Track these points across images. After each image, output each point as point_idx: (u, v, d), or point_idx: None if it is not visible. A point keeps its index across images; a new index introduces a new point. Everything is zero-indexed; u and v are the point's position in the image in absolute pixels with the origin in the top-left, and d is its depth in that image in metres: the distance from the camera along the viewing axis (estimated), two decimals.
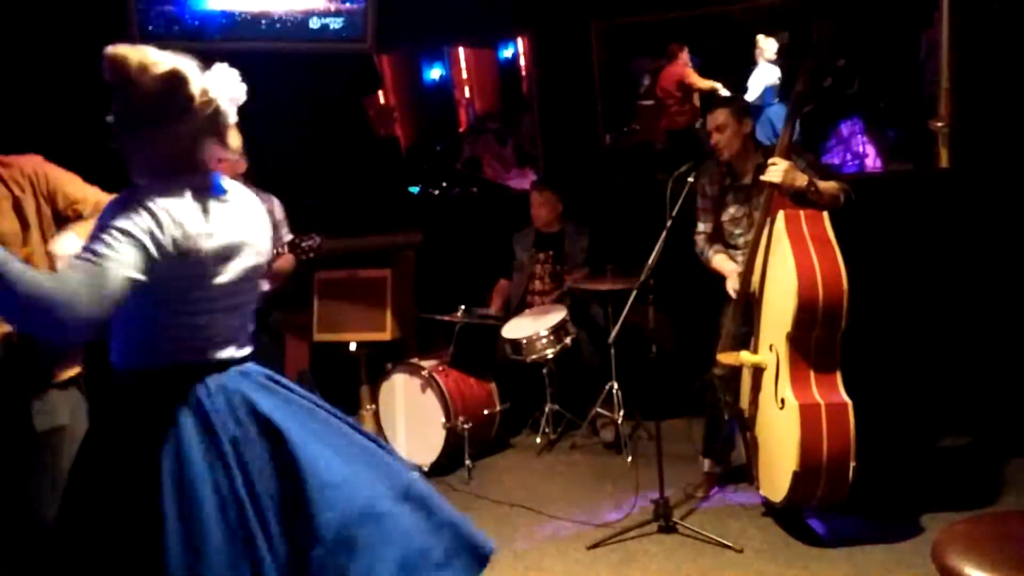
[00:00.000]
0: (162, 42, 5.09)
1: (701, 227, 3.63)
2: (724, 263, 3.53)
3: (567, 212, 4.80)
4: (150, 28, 4.78)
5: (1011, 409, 4.12)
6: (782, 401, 3.10)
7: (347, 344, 4.98)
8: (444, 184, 6.08)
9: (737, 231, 3.50)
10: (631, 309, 3.38)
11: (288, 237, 3.85)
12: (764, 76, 5.40)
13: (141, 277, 1.65)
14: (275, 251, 3.77)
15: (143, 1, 4.74)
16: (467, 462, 4.11)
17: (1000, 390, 4.21)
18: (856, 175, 4.87)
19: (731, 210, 3.51)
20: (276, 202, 4.06)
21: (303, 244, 3.64)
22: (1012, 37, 4.26)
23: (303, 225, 4.16)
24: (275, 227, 3.98)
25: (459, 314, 4.38)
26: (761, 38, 5.33)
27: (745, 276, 3.32)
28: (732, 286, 3.42)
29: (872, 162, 5.04)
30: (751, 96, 5.36)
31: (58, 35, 4.63)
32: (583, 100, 5.24)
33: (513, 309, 4.74)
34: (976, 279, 4.45)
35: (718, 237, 3.60)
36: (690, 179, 3.36)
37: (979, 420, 4.19)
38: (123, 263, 1.62)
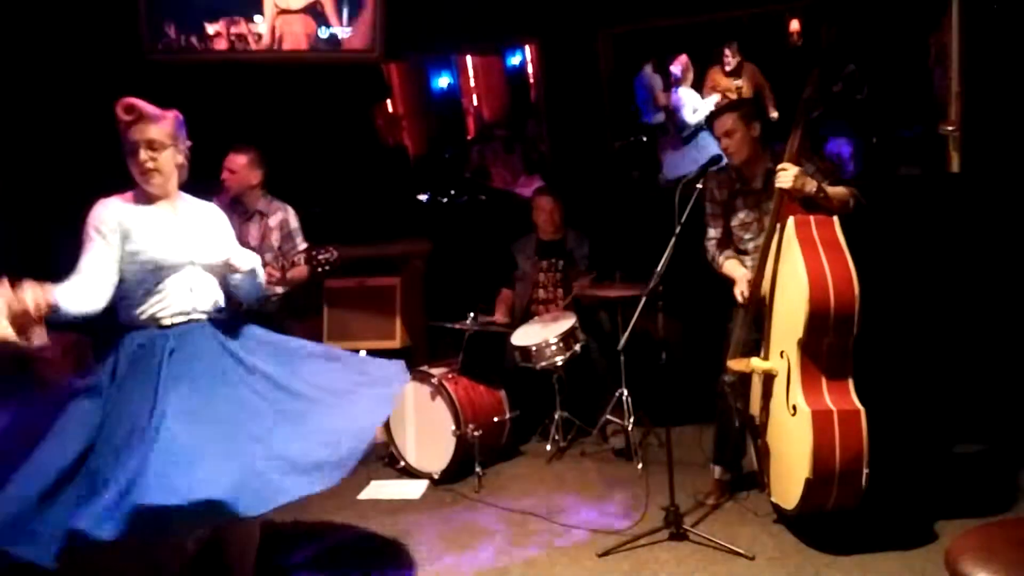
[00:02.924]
0: (173, 55, 5.16)
1: (711, 233, 3.62)
2: (734, 268, 3.52)
3: (577, 219, 4.79)
4: (161, 42, 4.82)
5: None
6: (794, 408, 3.09)
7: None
8: (452, 192, 6.09)
9: (747, 236, 3.49)
10: (640, 316, 3.38)
11: (303, 246, 3.88)
12: (692, 99, 5.45)
13: None
14: (291, 260, 3.81)
15: (154, 17, 4.78)
16: (477, 469, 4.11)
17: (1014, 396, 4.18)
18: (866, 180, 4.85)
19: (740, 215, 3.50)
20: (291, 211, 4.12)
21: (319, 256, 3.62)
22: (1022, 41, 4.25)
23: (312, 233, 4.19)
24: (289, 236, 4.05)
25: (468, 322, 4.38)
26: (684, 58, 5.39)
27: (755, 282, 3.31)
28: (740, 291, 3.42)
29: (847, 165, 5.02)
30: (698, 117, 5.42)
31: (72, 53, 4.67)
32: (591, 107, 5.25)
33: (518, 319, 4.73)
34: (988, 284, 4.43)
35: (728, 242, 3.59)
36: (698, 185, 3.36)
37: (993, 426, 4.16)
38: None
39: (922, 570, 2.96)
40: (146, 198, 2.68)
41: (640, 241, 3.98)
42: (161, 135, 2.60)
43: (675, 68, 5.42)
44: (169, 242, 2.64)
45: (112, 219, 2.59)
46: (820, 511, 3.14)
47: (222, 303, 2.81)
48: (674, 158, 5.52)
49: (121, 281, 2.60)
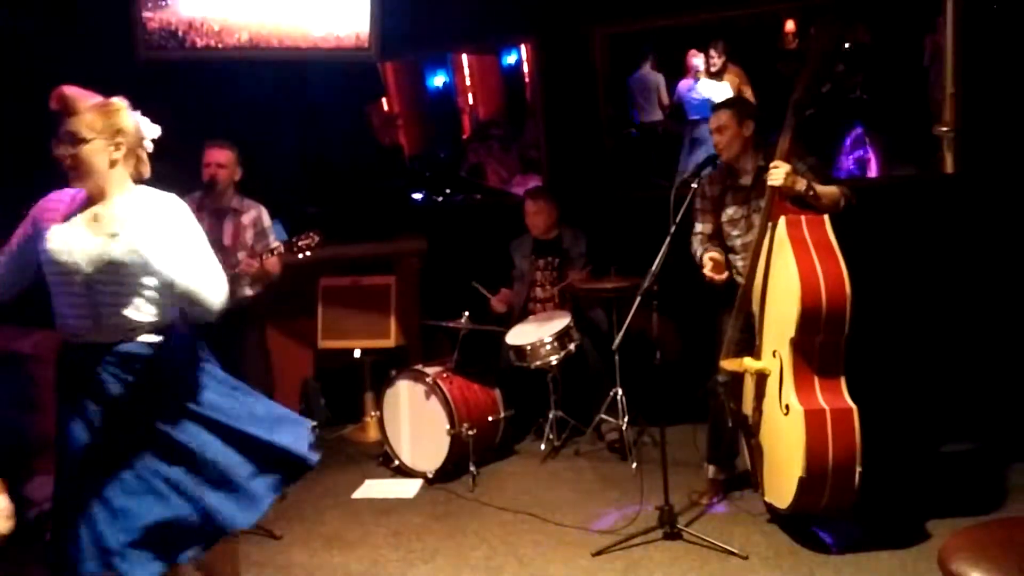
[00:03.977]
0: (168, 53, 5.14)
1: (699, 228, 3.63)
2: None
3: (573, 218, 4.79)
4: (156, 40, 4.79)
5: (1018, 414, 4.10)
6: (787, 407, 3.10)
7: (351, 351, 4.99)
8: (448, 191, 6.08)
9: (735, 232, 3.50)
10: (635, 315, 3.38)
11: (275, 243, 3.89)
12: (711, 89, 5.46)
13: None
14: (266, 256, 3.82)
15: (149, 14, 4.76)
16: (472, 469, 4.11)
17: (1007, 395, 4.19)
18: (860, 180, 4.86)
19: (730, 211, 3.51)
20: (263, 210, 4.10)
21: (300, 243, 3.69)
22: (1017, 41, 4.26)
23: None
24: (262, 234, 4.03)
25: (463, 321, 4.38)
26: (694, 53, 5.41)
27: (747, 282, 3.32)
28: (704, 271, 3.42)
29: (874, 168, 5.04)
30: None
31: (66, 49, 4.64)
32: (587, 106, 5.25)
33: (516, 317, 4.73)
34: (981, 284, 4.44)
35: (716, 238, 3.59)
36: (694, 184, 3.37)
37: (986, 425, 4.17)
38: None
39: (915, 569, 2.97)
40: (87, 196, 2.40)
41: (635, 236, 3.98)
42: (81, 127, 2.30)
43: (697, 60, 5.40)
44: (71, 251, 2.30)
45: (34, 214, 2.42)
46: (814, 510, 3.15)
47: (130, 326, 2.35)
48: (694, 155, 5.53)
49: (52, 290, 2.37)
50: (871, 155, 5.01)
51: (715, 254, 3.46)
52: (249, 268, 3.80)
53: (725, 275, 3.43)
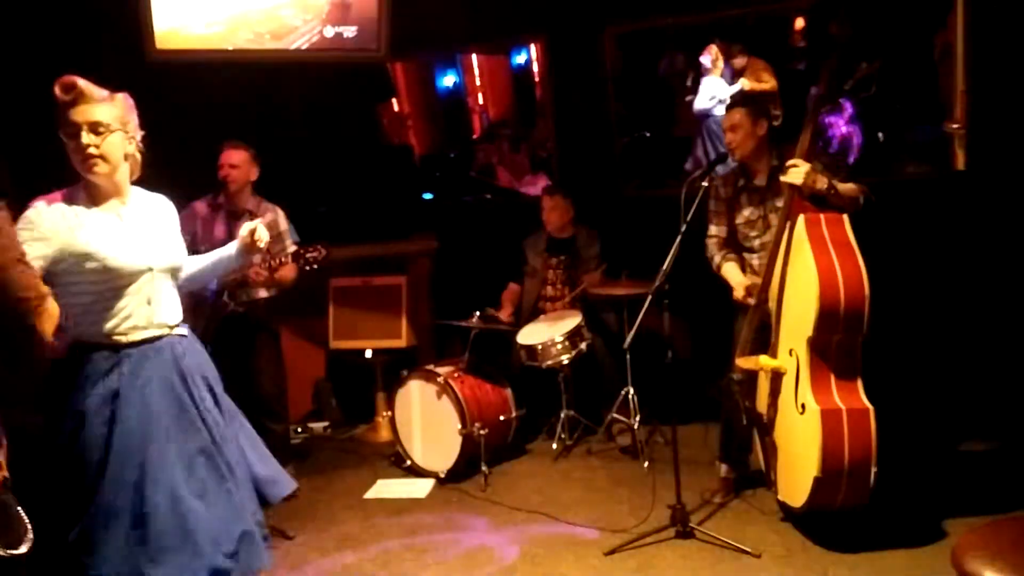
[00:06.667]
0: (178, 53, 5.12)
1: (713, 230, 3.62)
2: (732, 272, 3.51)
3: (581, 217, 4.80)
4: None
5: None
6: (802, 406, 3.09)
7: (363, 351, 5.01)
8: (458, 191, 6.09)
9: (752, 233, 3.49)
10: (646, 314, 3.38)
11: (292, 248, 3.88)
12: (713, 87, 5.44)
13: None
14: (278, 260, 3.81)
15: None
16: (483, 468, 4.12)
17: (1022, 393, 4.17)
18: (871, 178, 4.84)
19: (746, 212, 3.50)
20: (280, 213, 4.08)
21: (307, 255, 3.67)
22: None
23: (316, 232, 4.20)
24: (278, 237, 4.00)
25: (474, 320, 4.39)
26: (714, 48, 5.39)
27: (764, 280, 3.31)
28: (738, 296, 3.42)
29: (856, 140, 4.99)
30: (697, 105, 5.44)
31: (79, 48, 4.67)
32: (597, 106, 5.24)
33: (526, 315, 4.73)
34: (995, 282, 4.42)
35: (731, 241, 3.58)
36: (704, 183, 3.36)
37: (1001, 424, 4.15)
38: None
39: (929, 568, 2.96)
40: (90, 196, 2.33)
41: (646, 235, 3.97)
42: (108, 117, 2.26)
43: (704, 58, 5.41)
44: (123, 245, 2.30)
45: (48, 220, 2.25)
46: (828, 509, 3.14)
47: (181, 313, 2.49)
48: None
49: (73, 292, 2.24)
50: (853, 130, 4.96)
51: (748, 279, 3.42)
52: (257, 277, 3.81)
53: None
